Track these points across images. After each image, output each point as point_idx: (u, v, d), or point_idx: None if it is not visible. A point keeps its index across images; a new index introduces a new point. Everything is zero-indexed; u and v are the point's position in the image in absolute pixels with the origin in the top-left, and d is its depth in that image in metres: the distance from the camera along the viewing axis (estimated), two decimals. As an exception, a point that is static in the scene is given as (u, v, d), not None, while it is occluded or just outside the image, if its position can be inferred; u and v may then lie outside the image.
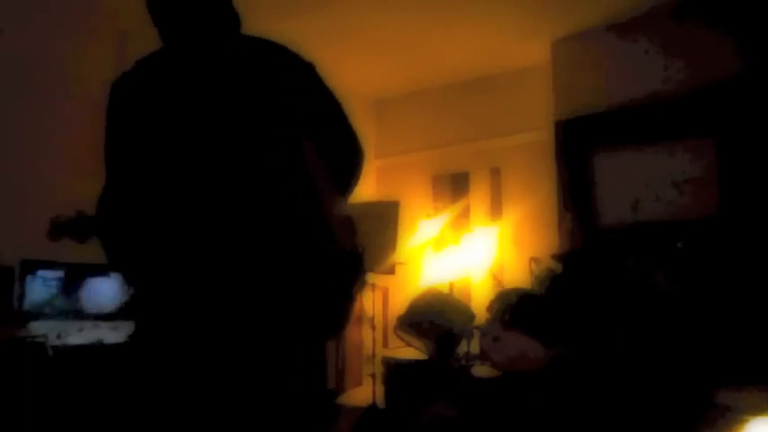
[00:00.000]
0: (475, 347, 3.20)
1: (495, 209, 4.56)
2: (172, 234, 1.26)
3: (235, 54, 1.36)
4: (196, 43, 1.36)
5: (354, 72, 4.57)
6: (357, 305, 4.70)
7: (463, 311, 3.43)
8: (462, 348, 3.31)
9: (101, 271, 3.06)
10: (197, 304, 1.24)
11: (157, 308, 1.29)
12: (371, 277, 3.87)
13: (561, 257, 3.37)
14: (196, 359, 1.24)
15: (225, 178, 1.26)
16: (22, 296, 2.90)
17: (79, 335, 2.82)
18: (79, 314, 3.00)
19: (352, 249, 1.40)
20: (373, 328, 4.15)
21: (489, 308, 3.22)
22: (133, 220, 1.30)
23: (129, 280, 1.39)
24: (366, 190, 4.99)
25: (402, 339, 3.52)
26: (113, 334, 2.86)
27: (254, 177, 1.27)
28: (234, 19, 1.43)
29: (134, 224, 1.30)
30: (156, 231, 1.28)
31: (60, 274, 3.01)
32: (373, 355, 4.16)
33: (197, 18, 1.36)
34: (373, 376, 3.84)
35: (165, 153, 1.28)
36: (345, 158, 1.44)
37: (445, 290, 3.92)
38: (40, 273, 2.96)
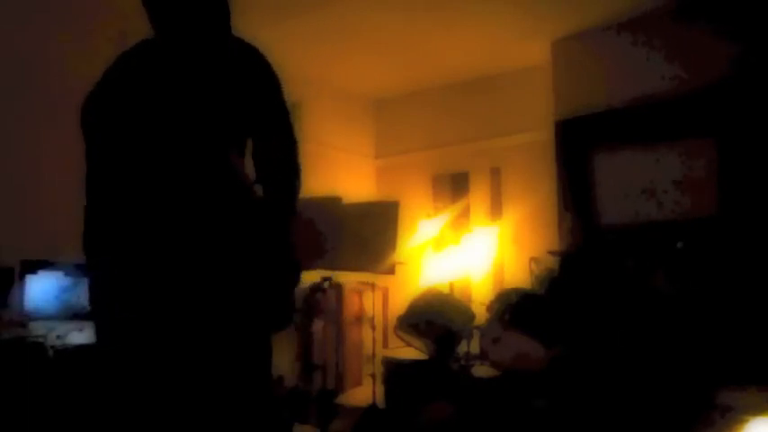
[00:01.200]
0: (475, 347, 3.20)
1: (495, 209, 4.56)
2: (117, 228, 1.32)
3: (202, 53, 1.39)
4: (172, 39, 1.40)
5: (354, 72, 4.57)
6: (358, 305, 4.70)
7: (463, 311, 3.42)
8: (462, 348, 3.31)
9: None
10: (144, 297, 1.30)
11: (105, 305, 1.35)
12: (371, 277, 3.87)
13: (560, 255, 3.37)
14: (150, 353, 1.30)
15: (160, 174, 1.31)
16: (22, 296, 2.90)
17: (79, 335, 2.82)
18: (79, 314, 3.00)
19: (283, 249, 1.44)
20: (373, 328, 4.15)
21: (489, 308, 3.22)
22: (93, 210, 1.36)
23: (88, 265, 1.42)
24: (366, 190, 5.00)
25: (402, 339, 3.52)
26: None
27: (184, 172, 1.31)
28: (220, 18, 1.45)
29: (94, 215, 1.36)
30: (106, 225, 1.34)
31: (60, 274, 3.01)
32: (373, 355, 4.15)
33: (183, 13, 1.39)
34: (373, 376, 3.83)
35: (114, 147, 1.34)
36: (285, 164, 1.48)
37: (445, 290, 3.92)
38: (40, 273, 2.96)
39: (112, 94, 1.38)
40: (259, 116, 1.43)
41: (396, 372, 3.67)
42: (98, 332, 1.38)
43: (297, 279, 1.47)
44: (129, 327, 1.31)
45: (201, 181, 1.32)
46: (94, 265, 1.36)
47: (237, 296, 1.33)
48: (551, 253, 3.41)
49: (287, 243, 1.45)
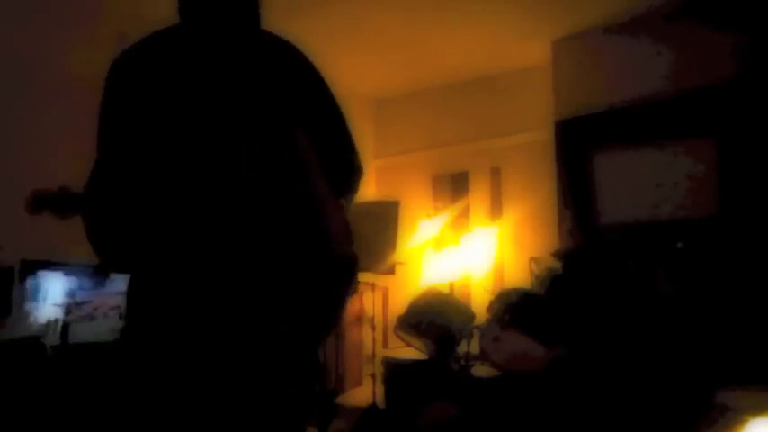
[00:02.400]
0: (475, 347, 3.20)
1: (495, 209, 4.56)
2: (156, 226, 1.22)
3: (246, 46, 1.35)
4: (209, 28, 1.35)
5: (354, 72, 4.57)
6: (357, 305, 4.70)
7: (463, 311, 3.43)
8: (462, 348, 3.31)
9: (101, 271, 3.06)
10: (184, 300, 1.22)
11: (147, 305, 1.25)
12: (371, 277, 3.87)
13: (561, 255, 3.37)
14: (187, 359, 1.21)
15: (211, 170, 1.22)
16: (22, 296, 2.90)
17: (79, 334, 2.83)
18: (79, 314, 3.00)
19: (345, 255, 1.37)
20: (373, 328, 4.15)
21: (489, 308, 3.22)
22: (118, 207, 1.26)
23: (110, 266, 1.35)
24: (366, 190, 5.00)
25: (402, 339, 3.52)
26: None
27: (241, 170, 1.23)
28: (254, 11, 1.42)
29: (118, 211, 1.25)
30: (139, 222, 1.24)
31: (60, 273, 3.01)
32: (373, 355, 4.16)
33: (220, 3, 1.35)
34: (373, 376, 3.84)
35: (155, 138, 1.24)
36: (345, 164, 1.44)
37: (445, 290, 3.92)
38: (40, 273, 2.96)
39: (152, 71, 1.28)
40: (308, 111, 1.36)
41: (396, 372, 3.67)
42: (134, 332, 1.28)
43: (351, 278, 1.38)
44: (174, 330, 1.22)
45: (246, 171, 1.23)
46: (129, 259, 1.26)
47: (290, 300, 1.25)
48: (554, 254, 3.41)
49: (344, 240, 1.38)
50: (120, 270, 1.30)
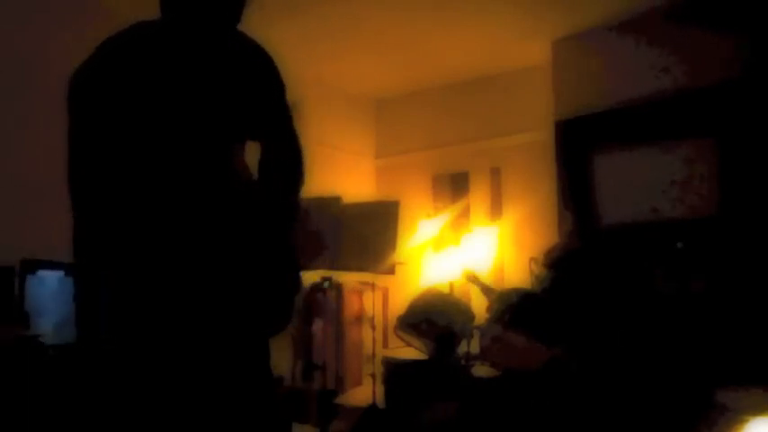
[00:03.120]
0: (475, 347, 3.20)
1: (495, 209, 4.56)
2: (117, 227, 1.29)
3: (206, 45, 1.36)
4: (181, 27, 1.36)
5: (354, 72, 4.57)
6: (357, 305, 4.69)
7: (463, 311, 3.42)
8: (462, 348, 3.31)
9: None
10: (142, 302, 1.27)
11: (99, 307, 1.32)
12: (371, 277, 3.87)
13: (553, 257, 3.35)
14: (145, 358, 1.28)
15: (157, 168, 1.27)
16: (22, 296, 2.90)
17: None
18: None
19: (286, 248, 1.43)
20: (373, 328, 4.15)
21: (489, 308, 3.22)
22: (88, 210, 1.34)
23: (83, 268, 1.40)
24: (366, 190, 4.99)
25: (402, 339, 3.51)
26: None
27: (182, 167, 1.28)
28: (234, 11, 1.42)
29: (91, 215, 1.33)
30: (104, 223, 1.30)
31: (60, 273, 3.00)
32: (373, 355, 4.15)
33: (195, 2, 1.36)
34: (373, 376, 3.83)
35: (113, 139, 1.30)
36: (289, 159, 1.47)
37: (445, 290, 3.92)
38: (40, 273, 2.96)
39: (110, 77, 1.32)
40: (261, 115, 1.40)
41: (396, 372, 3.67)
42: (88, 332, 1.36)
43: (297, 280, 1.46)
44: (125, 328, 1.28)
45: (200, 177, 1.29)
46: (89, 267, 1.33)
47: (236, 297, 1.31)
48: (546, 255, 3.39)
49: (287, 243, 1.44)
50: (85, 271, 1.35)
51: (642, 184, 3.60)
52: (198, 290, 1.27)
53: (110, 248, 1.29)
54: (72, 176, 1.37)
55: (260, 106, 1.40)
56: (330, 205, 3.19)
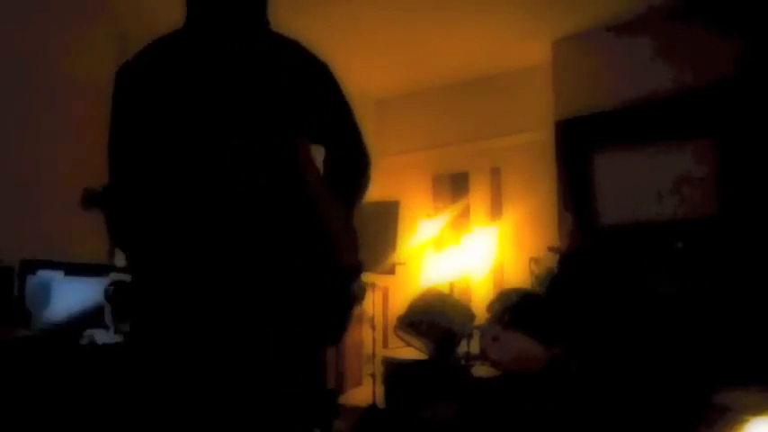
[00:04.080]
0: (475, 347, 3.20)
1: (495, 209, 4.56)
2: (165, 232, 1.25)
3: (252, 48, 1.34)
4: (213, 31, 1.34)
5: (354, 72, 4.56)
6: (357, 308, 4.68)
7: (463, 311, 3.43)
8: (462, 348, 3.31)
9: (101, 271, 3.05)
10: (191, 303, 1.23)
11: (154, 308, 1.27)
12: (371, 277, 3.87)
13: (558, 252, 3.36)
14: (192, 360, 1.23)
15: (212, 173, 1.23)
16: (21, 296, 2.90)
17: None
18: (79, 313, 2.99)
19: (351, 263, 1.38)
20: (373, 328, 4.15)
21: (489, 308, 3.22)
22: (132, 213, 1.29)
23: (133, 272, 1.36)
24: (366, 190, 4.99)
25: (402, 339, 3.52)
26: (109, 335, 2.86)
27: (248, 175, 1.25)
28: (260, 12, 1.41)
29: (133, 218, 1.28)
30: (152, 228, 1.26)
31: (60, 273, 3.00)
32: (373, 355, 4.16)
33: (227, 4, 1.34)
34: (373, 376, 3.84)
35: (161, 144, 1.26)
36: (352, 167, 1.43)
37: (445, 290, 3.92)
38: (40, 273, 2.96)
39: (156, 75, 1.29)
40: (312, 114, 1.35)
41: (396, 372, 3.68)
42: (141, 334, 1.31)
43: (352, 286, 1.39)
44: (176, 331, 1.24)
45: (251, 172, 1.25)
46: (144, 264, 1.29)
47: (292, 303, 1.26)
48: (551, 249, 3.40)
49: (349, 247, 1.39)
50: (137, 261, 1.32)
51: (642, 184, 3.60)
52: (252, 294, 1.23)
53: (158, 248, 1.25)
54: (124, 181, 1.31)
55: (303, 102, 1.34)
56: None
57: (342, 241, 1.37)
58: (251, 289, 1.23)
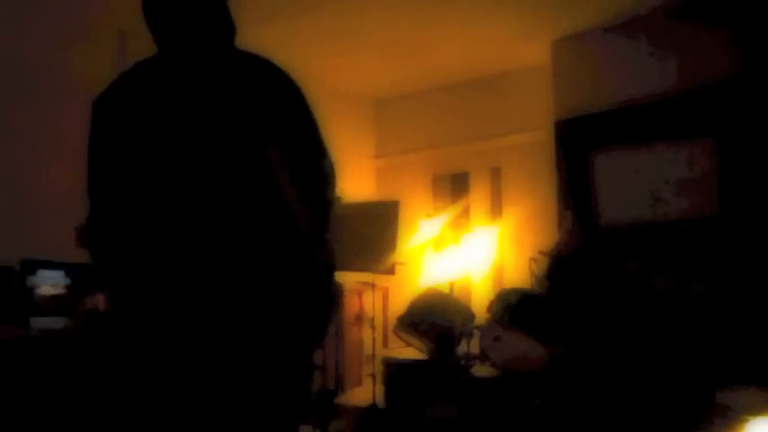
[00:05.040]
0: (475, 347, 3.20)
1: (495, 209, 4.56)
2: (148, 246, 1.31)
3: (218, 68, 1.38)
4: (183, 53, 1.39)
5: (354, 72, 4.57)
6: (357, 305, 4.69)
7: (463, 311, 3.42)
8: (462, 348, 3.31)
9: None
10: (173, 311, 1.28)
11: (135, 314, 1.33)
12: (371, 277, 3.87)
13: (550, 254, 3.35)
14: (172, 365, 1.28)
15: (192, 189, 1.30)
16: (22, 296, 2.90)
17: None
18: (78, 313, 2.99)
19: (323, 260, 1.41)
20: (373, 328, 4.15)
21: (489, 308, 3.22)
22: (113, 234, 1.35)
23: (112, 295, 1.42)
24: (366, 190, 4.99)
25: (402, 339, 3.52)
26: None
27: (220, 188, 1.30)
28: (228, 28, 1.44)
29: (114, 238, 1.35)
30: (133, 244, 1.33)
31: (60, 273, 3.01)
32: (373, 355, 4.15)
33: (190, 25, 1.39)
34: (373, 376, 3.83)
35: (140, 165, 1.33)
36: (316, 172, 1.45)
37: (445, 290, 3.92)
38: (40, 273, 2.96)
39: (129, 100, 1.37)
40: (279, 125, 1.39)
41: (396, 372, 3.67)
42: (124, 340, 1.37)
43: (327, 284, 1.42)
44: (156, 334, 1.29)
45: (234, 189, 1.30)
46: (125, 283, 1.35)
47: (272, 308, 1.30)
48: (542, 253, 3.38)
49: (321, 247, 1.41)
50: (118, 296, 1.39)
51: (642, 183, 3.60)
52: (228, 299, 1.27)
53: (135, 256, 1.31)
54: (97, 191, 1.38)
55: (271, 115, 1.38)
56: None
57: (312, 242, 1.40)
58: (228, 293, 1.27)
